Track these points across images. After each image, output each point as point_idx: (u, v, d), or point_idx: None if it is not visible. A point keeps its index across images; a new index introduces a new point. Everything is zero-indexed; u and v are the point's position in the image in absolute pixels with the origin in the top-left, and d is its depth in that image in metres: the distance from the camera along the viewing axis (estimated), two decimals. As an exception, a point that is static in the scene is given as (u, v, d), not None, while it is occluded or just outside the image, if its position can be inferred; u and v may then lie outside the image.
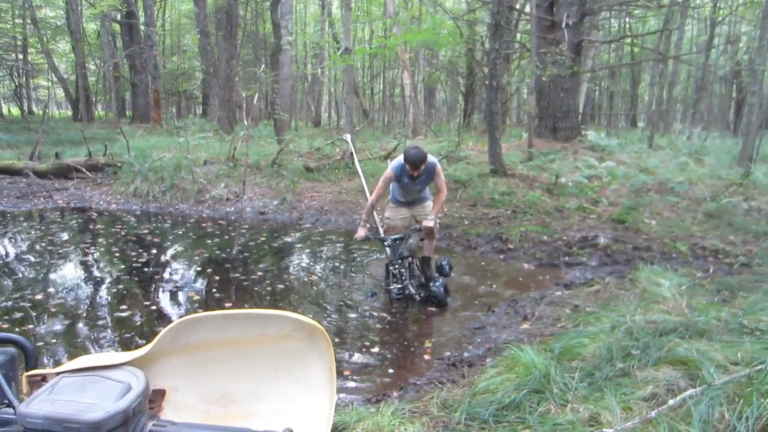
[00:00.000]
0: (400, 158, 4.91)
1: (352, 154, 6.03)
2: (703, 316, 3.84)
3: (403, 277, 4.86)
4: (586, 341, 3.51)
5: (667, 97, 19.60)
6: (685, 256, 6.24)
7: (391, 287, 4.88)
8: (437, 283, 5.11)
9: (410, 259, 5.12)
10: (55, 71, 26.38)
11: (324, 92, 29.44)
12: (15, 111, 30.77)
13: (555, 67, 10.85)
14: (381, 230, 5.43)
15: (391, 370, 3.88)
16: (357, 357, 4.05)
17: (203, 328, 1.01)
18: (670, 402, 2.57)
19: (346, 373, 3.83)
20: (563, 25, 11.21)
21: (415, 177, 4.84)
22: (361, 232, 5.12)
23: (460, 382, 3.43)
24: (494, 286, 5.76)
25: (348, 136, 6.11)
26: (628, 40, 15.87)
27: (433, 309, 5.02)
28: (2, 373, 0.93)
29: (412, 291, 4.85)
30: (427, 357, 4.07)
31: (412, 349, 4.24)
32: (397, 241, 4.93)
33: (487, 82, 10.81)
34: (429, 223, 4.98)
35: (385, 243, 5.05)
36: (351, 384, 3.68)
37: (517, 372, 3.20)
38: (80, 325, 4.52)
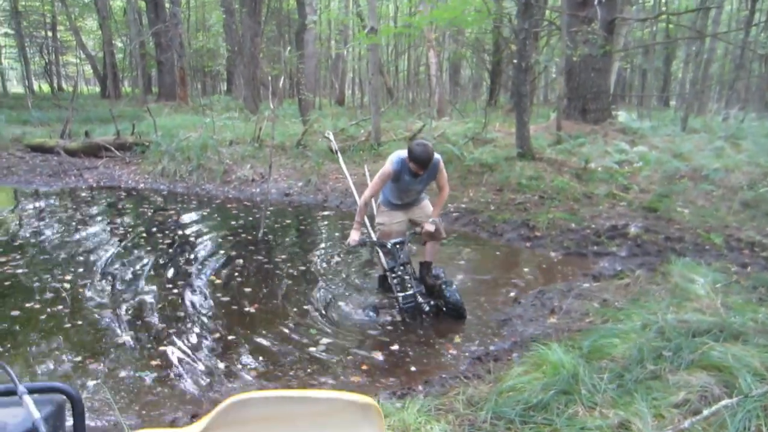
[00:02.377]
0: (400, 153, 4.41)
1: (336, 151, 5.70)
2: (739, 316, 3.73)
3: (410, 285, 4.43)
4: (616, 341, 3.44)
5: (703, 76, 18.95)
6: (720, 249, 6.05)
7: (399, 296, 4.41)
8: (451, 289, 4.52)
9: (409, 265, 4.58)
10: (83, 48, 26.68)
11: (348, 69, 29.19)
12: (45, 88, 31.24)
13: (586, 47, 10.53)
14: (374, 236, 4.88)
15: (418, 364, 3.85)
16: (378, 352, 4.02)
17: (255, 407, 1.00)
18: (705, 412, 2.51)
19: (367, 367, 3.82)
20: (595, 2, 10.83)
21: (417, 175, 4.37)
22: (355, 236, 4.48)
23: (486, 377, 3.40)
24: (520, 275, 5.69)
25: (330, 133, 5.85)
26: (664, 17, 15.30)
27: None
28: (50, 424, 0.92)
29: (420, 300, 4.41)
30: (453, 351, 4.03)
31: (440, 340, 4.21)
32: (398, 246, 4.48)
33: (515, 61, 10.56)
34: (430, 227, 4.60)
35: (385, 248, 4.55)
36: (375, 377, 3.67)
37: (545, 371, 3.16)
38: (106, 309, 4.59)
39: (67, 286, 5.01)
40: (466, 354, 3.97)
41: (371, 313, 4.57)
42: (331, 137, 5.69)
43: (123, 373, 3.57)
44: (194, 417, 2.95)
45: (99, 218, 7.71)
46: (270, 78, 11.30)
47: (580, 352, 3.42)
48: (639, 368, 3.14)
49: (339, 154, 5.57)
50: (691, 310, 3.92)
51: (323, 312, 4.70)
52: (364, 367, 3.78)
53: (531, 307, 4.72)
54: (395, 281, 4.54)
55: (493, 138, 10.44)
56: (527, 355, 3.59)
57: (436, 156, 4.37)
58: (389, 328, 4.39)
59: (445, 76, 23.20)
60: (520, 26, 8.74)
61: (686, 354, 3.19)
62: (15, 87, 32.16)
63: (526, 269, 5.89)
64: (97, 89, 29.54)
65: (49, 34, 28.96)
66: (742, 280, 4.86)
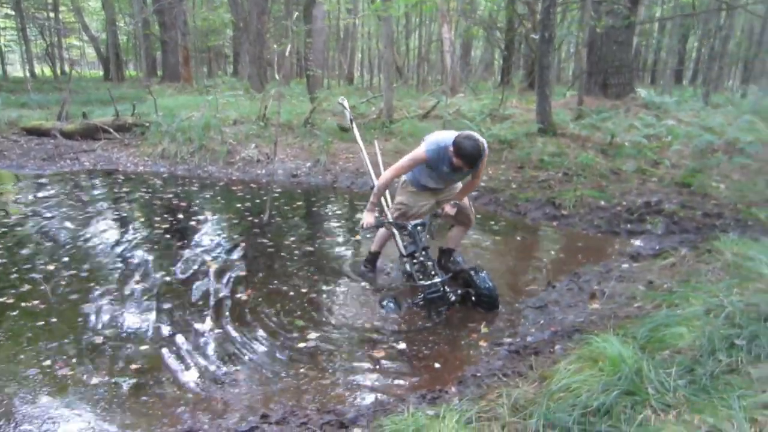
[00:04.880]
0: (439, 139, 3.90)
1: (351, 120, 5.14)
2: (815, 299, 3.24)
3: (434, 272, 3.97)
4: (680, 329, 2.96)
5: (721, 52, 18.25)
6: (764, 224, 5.55)
7: (421, 284, 3.96)
8: (482, 275, 4.00)
9: (427, 251, 4.12)
10: (86, 30, 26.15)
11: (357, 49, 28.54)
12: (47, 71, 30.73)
13: (610, 18, 9.95)
14: (390, 216, 4.39)
15: (443, 360, 3.39)
16: (403, 344, 3.56)
17: None
18: (816, 419, 2.03)
19: (390, 363, 3.36)
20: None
21: (459, 169, 3.87)
22: (369, 218, 4.07)
23: (528, 375, 2.93)
24: (550, 257, 5.21)
25: (344, 99, 5.30)
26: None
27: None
28: None
29: (447, 289, 3.96)
30: (483, 343, 3.57)
31: (465, 332, 3.74)
32: (419, 228, 4.05)
33: (533, 35, 10.00)
34: (451, 210, 4.18)
35: (406, 230, 4.09)
36: (394, 377, 3.22)
37: (602, 367, 2.70)
38: (86, 303, 4.10)
39: (48, 277, 4.56)
40: (500, 347, 3.49)
41: (390, 304, 4.03)
42: (346, 104, 5.14)
43: (96, 380, 3.10)
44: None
45: (93, 203, 7.25)
46: (276, 53, 10.78)
47: (637, 342, 2.95)
48: (711, 361, 2.68)
49: (354, 124, 5.05)
50: (757, 292, 3.43)
51: (331, 301, 4.25)
52: (380, 365, 3.33)
53: (567, 291, 4.26)
54: (416, 268, 4.09)
55: (510, 114, 9.91)
56: (573, 347, 3.14)
57: (485, 146, 3.85)
58: (407, 319, 3.91)
59: (456, 57, 22.55)
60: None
61: (765, 342, 2.72)
62: (16, 71, 31.61)
63: (555, 250, 5.42)
64: (101, 73, 29.01)
65: (51, 15, 28.32)
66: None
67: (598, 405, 2.39)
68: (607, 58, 11.02)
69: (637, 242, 5.49)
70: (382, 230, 4.57)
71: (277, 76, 7.60)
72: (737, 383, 2.45)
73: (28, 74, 22.51)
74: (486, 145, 3.87)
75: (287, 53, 7.96)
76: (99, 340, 3.55)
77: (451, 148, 3.75)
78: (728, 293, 3.41)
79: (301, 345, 3.53)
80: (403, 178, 4.35)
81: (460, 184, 4.41)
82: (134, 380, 3.11)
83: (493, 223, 6.36)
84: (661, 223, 5.83)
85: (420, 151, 3.91)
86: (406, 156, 4.03)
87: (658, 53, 25.91)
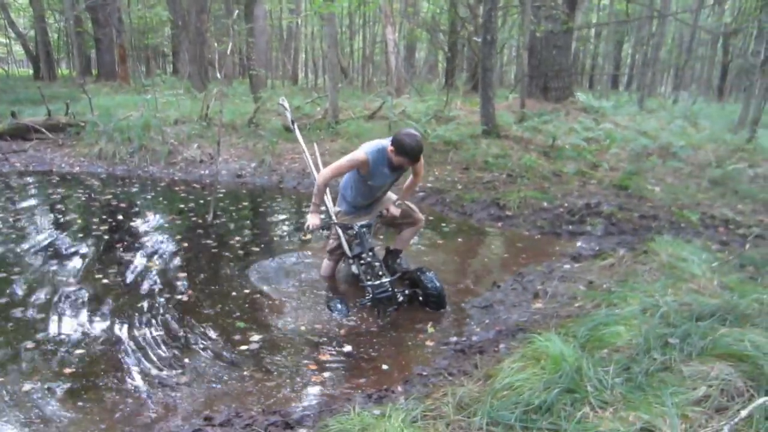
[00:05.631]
0: (377, 143, 3.92)
1: (293, 122, 5.07)
2: (741, 298, 3.42)
3: (381, 272, 3.97)
4: (618, 328, 3.06)
5: (654, 59, 19.15)
6: (696, 226, 5.84)
7: (368, 285, 3.94)
8: (429, 275, 4.02)
9: (373, 251, 4.12)
10: (13, 26, 24.69)
11: (301, 50, 28.27)
12: (-28, 68, 28.91)
13: (549, 23, 10.25)
14: (334, 217, 4.33)
15: (390, 360, 3.38)
16: (349, 345, 3.53)
17: None
18: (743, 413, 2.14)
19: (337, 365, 3.33)
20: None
21: (398, 168, 3.92)
22: (314, 220, 4.01)
23: (474, 374, 2.97)
24: (495, 257, 5.30)
25: (284, 99, 5.23)
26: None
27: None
28: None
29: (395, 289, 3.97)
30: (429, 343, 3.59)
31: (412, 333, 3.75)
32: (365, 229, 4.07)
33: (476, 38, 10.16)
34: (396, 210, 4.22)
35: (352, 231, 4.09)
36: (341, 378, 3.18)
37: (544, 365, 2.75)
38: (17, 307, 3.88)
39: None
40: (446, 347, 3.52)
41: (338, 305, 3.98)
42: (286, 104, 5.04)
43: (28, 386, 2.93)
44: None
45: (25, 205, 6.86)
46: (218, 52, 10.52)
47: (577, 341, 3.03)
48: (647, 359, 2.78)
49: (295, 125, 4.97)
50: (689, 292, 3.60)
51: (275, 302, 4.16)
52: (326, 366, 3.28)
53: (512, 291, 4.34)
54: (363, 269, 4.06)
55: (455, 116, 10.05)
56: (516, 346, 3.19)
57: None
58: (352, 320, 3.88)
59: (400, 58, 22.69)
60: (484, -2, 8.33)
61: (696, 340, 2.84)
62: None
63: (500, 251, 5.52)
64: (30, 71, 27.54)
65: (-26, 9, 26.68)
66: (723, 256, 4.61)
67: (539, 403, 2.43)
68: (547, 62, 11.34)
69: (578, 243, 5.66)
70: (326, 262, 4.54)
71: (219, 75, 7.42)
72: (670, 380, 2.55)
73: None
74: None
75: (229, 52, 7.78)
76: (31, 344, 3.37)
77: (390, 147, 3.76)
78: (663, 293, 3.56)
79: (244, 347, 3.44)
80: (339, 208, 4.33)
81: (390, 195, 4.41)
82: (69, 385, 2.96)
83: (439, 223, 6.41)
84: (600, 224, 6.04)
85: (359, 153, 3.88)
86: (346, 157, 3.98)
87: (596, 59, 26.92)
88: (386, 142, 3.84)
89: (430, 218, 6.56)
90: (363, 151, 3.87)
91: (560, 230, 6.01)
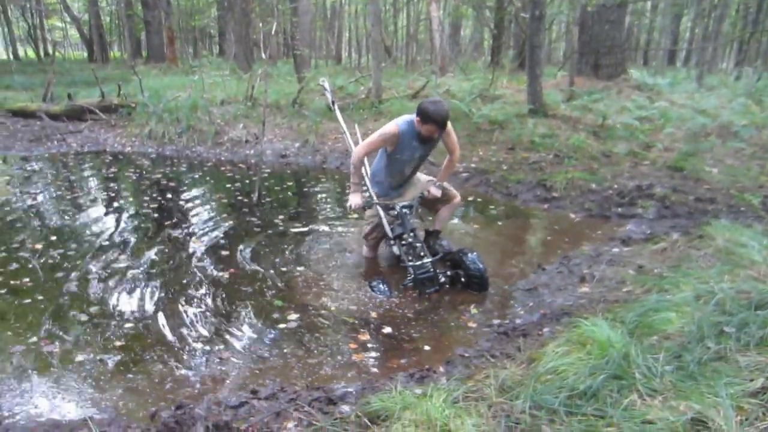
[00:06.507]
0: (407, 116, 3.90)
1: (333, 102, 5.00)
2: (805, 285, 3.23)
3: (423, 253, 3.95)
4: (669, 314, 2.94)
5: (715, 33, 18.14)
6: (756, 210, 5.53)
7: (410, 266, 3.92)
8: (471, 256, 3.95)
9: (415, 232, 4.08)
10: (68, 10, 25.56)
11: (344, 29, 28.16)
12: (31, 53, 30.11)
13: (602, -4, 9.84)
14: (374, 197, 4.23)
15: (431, 341, 3.36)
16: (388, 327, 3.52)
17: None
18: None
19: (377, 345, 3.33)
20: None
21: (428, 140, 3.87)
22: (356, 199, 4.04)
23: (517, 357, 2.91)
24: (540, 240, 5.19)
25: (324, 80, 5.17)
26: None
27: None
28: None
29: (437, 270, 3.94)
30: (472, 325, 3.55)
31: (454, 314, 3.72)
32: (406, 210, 4.02)
33: (523, 14, 9.87)
34: (436, 191, 4.16)
35: (393, 212, 4.06)
36: (382, 358, 3.18)
37: (589, 351, 2.68)
38: (72, 282, 4.04)
39: (35, 256, 4.49)
40: (488, 329, 3.48)
41: (380, 285, 3.97)
42: (326, 85, 5.00)
43: (81, 357, 3.06)
44: (179, 408, 2.46)
45: (81, 183, 7.15)
46: (262, 32, 10.58)
47: (625, 327, 2.93)
48: (700, 347, 2.66)
49: (336, 106, 4.94)
50: (748, 279, 3.42)
51: (319, 281, 4.19)
52: (367, 346, 3.29)
53: (557, 274, 4.23)
54: (405, 249, 4.04)
55: (501, 95, 9.81)
56: (561, 330, 3.12)
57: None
58: (394, 301, 3.87)
59: (445, 36, 22.31)
60: (533, -29, 8.04)
61: (754, 330, 2.70)
62: (-1, 52, 30.97)
63: (545, 233, 5.39)
64: (85, 54, 28.45)
65: (32, -5, 27.66)
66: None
67: (584, 388, 2.37)
68: (599, 38, 10.89)
69: (628, 226, 5.46)
70: (364, 247, 4.56)
71: (263, 56, 7.46)
72: (725, 370, 2.42)
73: (11, 56, 22.02)
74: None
75: (273, 32, 7.80)
76: (84, 317, 3.52)
77: (417, 118, 3.74)
78: (719, 279, 3.39)
79: (282, 326, 3.49)
80: (363, 189, 4.27)
81: (421, 176, 4.38)
82: (119, 357, 3.08)
83: (483, 204, 6.32)
84: (652, 207, 5.81)
85: (390, 126, 3.87)
86: (376, 132, 3.96)
87: (651, 33, 25.77)
88: (413, 114, 3.82)
89: (478, 200, 6.48)
90: (393, 123, 3.89)
91: (609, 213, 5.82)
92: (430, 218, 4.70)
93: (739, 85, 12.00)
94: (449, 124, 3.88)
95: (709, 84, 12.34)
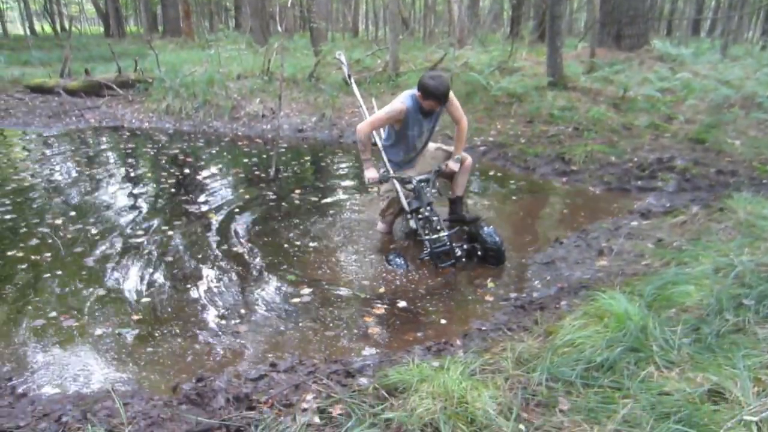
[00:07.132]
0: (411, 91, 3.94)
1: (349, 76, 4.94)
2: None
3: (439, 227, 3.95)
4: (687, 287, 2.92)
5: (741, 1, 17.58)
6: (779, 183, 5.45)
7: (426, 239, 3.92)
8: (488, 229, 3.95)
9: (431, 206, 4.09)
10: (84, -17, 25.49)
11: (361, 1, 27.77)
12: (47, 28, 30.22)
13: (625, -36, 9.55)
14: (391, 170, 4.21)
15: (448, 315, 3.38)
16: (403, 301, 3.53)
17: None
18: (826, 378, 2.01)
19: (393, 318, 3.36)
20: None
21: (431, 113, 3.95)
22: (371, 174, 4.06)
23: (533, 330, 2.92)
24: (558, 213, 5.15)
25: (341, 53, 5.10)
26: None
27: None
28: None
29: (453, 243, 3.94)
30: (489, 298, 3.56)
31: (470, 288, 3.73)
32: (423, 183, 4.02)
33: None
34: (455, 165, 4.18)
35: (410, 185, 4.06)
36: (398, 331, 3.21)
37: (607, 323, 2.68)
38: (91, 257, 4.12)
39: (53, 231, 4.58)
40: (505, 302, 3.49)
41: (397, 259, 3.99)
42: (343, 58, 4.96)
43: (100, 331, 3.13)
44: (199, 381, 2.52)
45: (99, 159, 7.24)
46: (278, 7, 10.48)
47: (643, 300, 2.92)
48: (718, 320, 2.65)
49: (352, 80, 4.90)
50: (768, 252, 3.38)
51: (331, 254, 4.23)
52: (383, 320, 3.31)
53: (575, 248, 4.21)
54: (421, 223, 4.05)
55: (520, 67, 9.65)
56: (579, 303, 3.11)
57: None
58: (409, 275, 3.88)
59: (463, 7, 21.91)
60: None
61: (773, 303, 2.68)
62: (16, 29, 31.08)
63: (563, 206, 5.36)
64: (101, 29, 28.50)
65: (48, -31, 27.67)
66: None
67: (601, 360, 2.38)
68: (622, 8, 10.62)
69: (648, 199, 5.40)
70: (380, 224, 4.57)
71: (279, 29, 7.42)
72: (743, 342, 2.42)
73: (28, 31, 22.13)
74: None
75: (289, 5, 7.73)
76: (103, 292, 3.59)
77: (418, 93, 3.80)
78: (739, 252, 3.36)
79: (296, 300, 3.53)
80: (382, 170, 4.27)
81: (433, 144, 4.41)
82: (137, 331, 3.14)
83: (501, 178, 6.28)
84: (672, 180, 5.73)
85: (397, 103, 3.91)
86: (383, 109, 4.00)
87: (675, 3, 25.04)
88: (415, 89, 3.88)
89: (496, 174, 6.44)
90: (400, 100, 3.93)
91: (628, 186, 5.75)
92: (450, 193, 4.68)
93: (765, 55, 11.67)
94: (451, 94, 3.92)
95: (734, 54, 12.00)
